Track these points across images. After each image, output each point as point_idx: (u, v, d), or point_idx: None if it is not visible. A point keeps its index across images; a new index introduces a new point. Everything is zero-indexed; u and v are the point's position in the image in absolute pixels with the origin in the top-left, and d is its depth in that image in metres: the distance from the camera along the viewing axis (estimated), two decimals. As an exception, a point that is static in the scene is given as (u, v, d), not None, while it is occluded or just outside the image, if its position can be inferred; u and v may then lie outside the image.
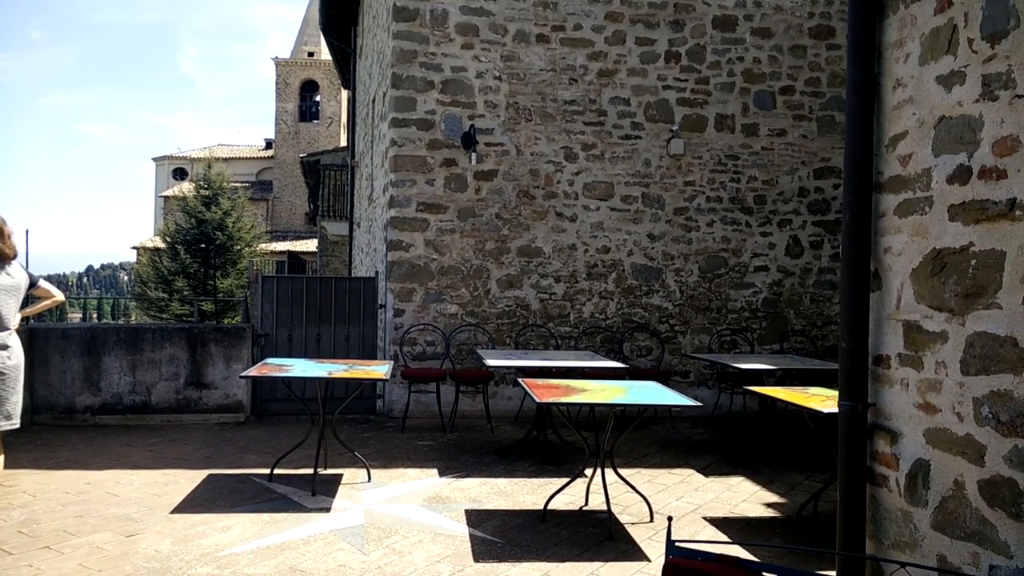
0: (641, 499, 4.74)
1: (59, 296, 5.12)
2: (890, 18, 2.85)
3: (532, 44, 7.88)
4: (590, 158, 8.03)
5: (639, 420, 5.44)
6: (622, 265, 8.13)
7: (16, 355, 4.67)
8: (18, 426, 4.63)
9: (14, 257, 4.60)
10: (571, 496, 4.97)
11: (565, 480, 5.01)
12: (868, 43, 2.91)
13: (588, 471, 5.03)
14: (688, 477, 5.63)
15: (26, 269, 4.78)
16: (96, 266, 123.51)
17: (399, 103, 7.69)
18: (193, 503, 4.80)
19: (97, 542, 4.10)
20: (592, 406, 4.59)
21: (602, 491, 4.60)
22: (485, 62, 7.80)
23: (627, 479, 4.83)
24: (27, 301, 4.90)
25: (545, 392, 4.65)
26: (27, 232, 7.43)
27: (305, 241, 35.79)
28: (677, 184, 8.21)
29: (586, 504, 4.87)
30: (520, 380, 5.16)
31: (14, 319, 4.63)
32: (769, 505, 5.02)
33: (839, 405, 2.94)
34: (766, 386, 5.75)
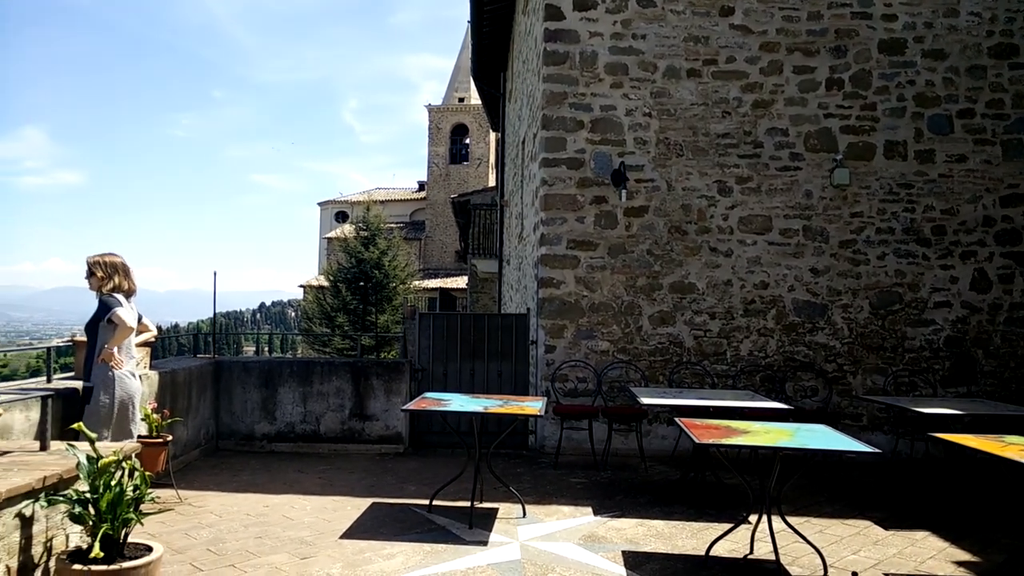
0: (812, 550, 4.44)
1: (154, 330, 5.59)
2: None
3: (683, 79, 7.81)
4: (745, 191, 7.79)
5: (812, 466, 5.13)
6: (782, 301, 7.77)
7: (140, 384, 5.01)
8: None
9: (135, 293, 5.01)
10: (734, 543, 4.75)
11: (727, 526, 4.80)
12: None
13: (752, 517, 4.79)
14: (865, 529, 5.22)
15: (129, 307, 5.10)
16: (267, 303, 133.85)
17: (549, 143, 7.84)
18: (359, 530, 5.01)
19: (275, 563, 4.37)
20: (756, 449, 4.37)
21: (767, 539, 4.36)
22: (634, 99, 7.81)
23: (796, 528, 4.55)
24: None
25: (704, 433, 4.49)
26: (215, 273, 8.15)
27: (455, 278, 37.02)
28: (843, 216, 7.77)
29: (751, 552, 4.63)
30: (677, 419, 5.02)
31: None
32: (960, 564, 4.55)
33: (1051, 457, 2.63)
34: (953, 432, 5.25)
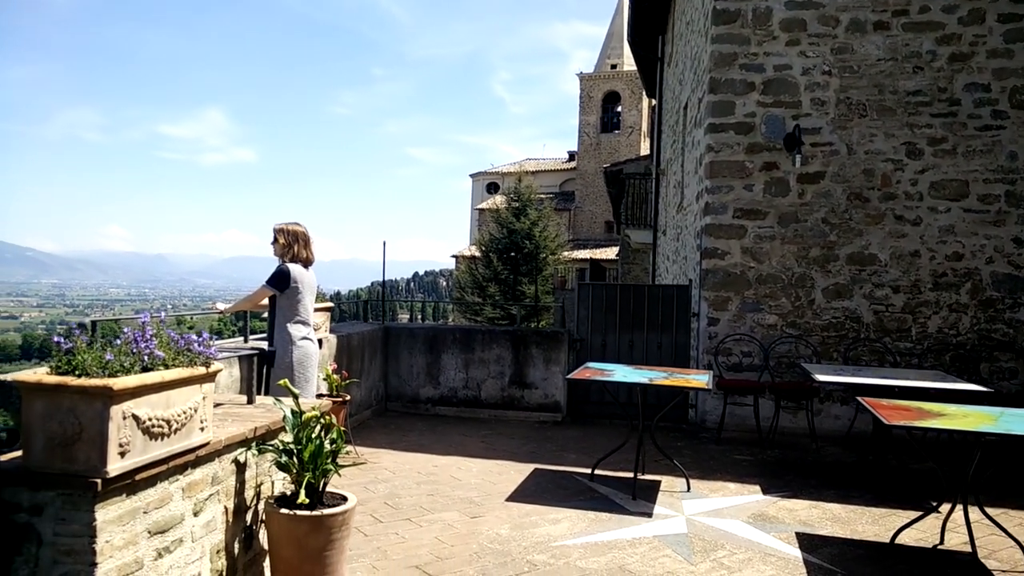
0: (1012, 544, 4.07)
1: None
2: None
3: (868, 32, 7.20)
4: (938, 154, 7.11)
5: (1010, 454, 4.67)
6: (979, 274, 7.06)
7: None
8: None
9: (312, 263, 5.14)
10: (920, 532, 4.43)
11: (912, 513, 4.52)
12: None
13: (944, 507, 4.43)
14: (1075, 527, 4.69)
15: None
16: (420, 273, 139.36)
17: (717, 108, 7.51)
18: (524, 494, 5.12)
19: (447, 520, 4.56)
20: (955, 433, 4.02)
21: (958, 529, 4.03)
22: (812, 57, 7.30)
23: (995, 519, 4.16)
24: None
25: (893, 414, 4.19)
26: (384, 243, 8.55)
27: (605, 249, 36.76)
28: (1054, 179, 6.93)
29: (941, 543, 4.30)
30: (860, 399, 4.71)
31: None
32: None
33: None
34: None
